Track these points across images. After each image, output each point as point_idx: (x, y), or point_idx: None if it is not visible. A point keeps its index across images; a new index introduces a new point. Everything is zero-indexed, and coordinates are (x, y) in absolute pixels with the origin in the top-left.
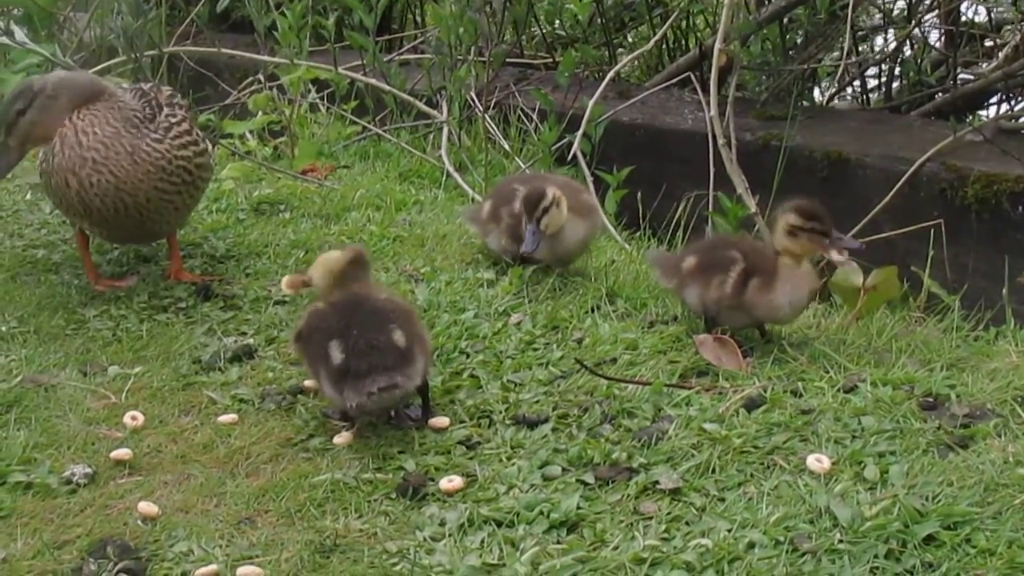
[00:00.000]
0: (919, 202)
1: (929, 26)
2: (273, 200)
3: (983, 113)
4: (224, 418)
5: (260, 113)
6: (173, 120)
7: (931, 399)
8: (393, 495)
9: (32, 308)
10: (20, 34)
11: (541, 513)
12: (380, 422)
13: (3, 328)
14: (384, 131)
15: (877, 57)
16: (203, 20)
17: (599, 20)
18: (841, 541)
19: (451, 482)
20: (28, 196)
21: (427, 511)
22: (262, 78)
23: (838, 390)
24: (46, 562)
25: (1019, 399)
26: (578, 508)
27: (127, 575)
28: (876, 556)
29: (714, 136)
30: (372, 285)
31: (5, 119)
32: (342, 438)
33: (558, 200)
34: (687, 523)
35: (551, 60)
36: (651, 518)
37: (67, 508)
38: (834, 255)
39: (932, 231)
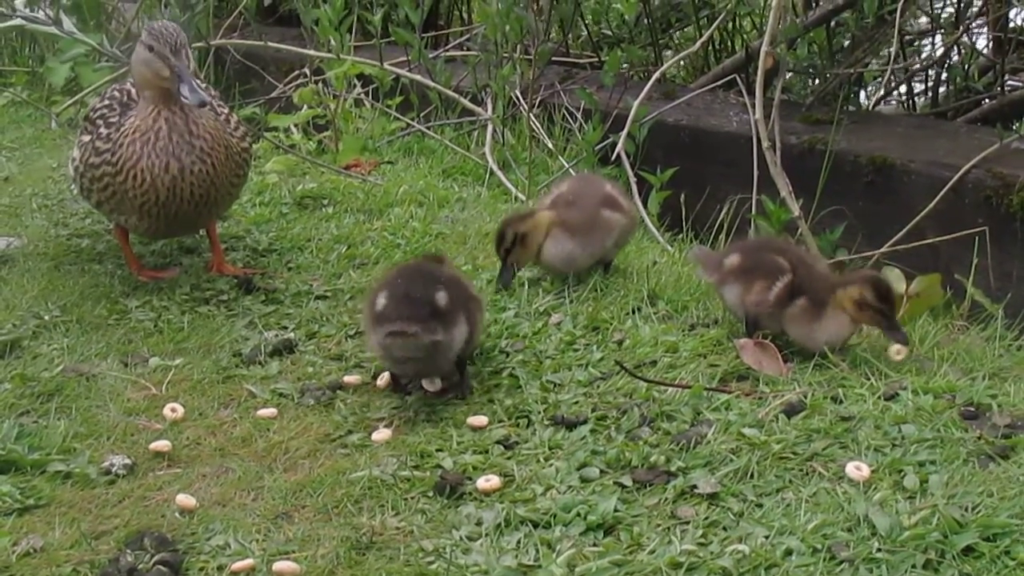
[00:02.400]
0: (964, 209)
1: (977, 32)
2: (316, 194)
3: None
4: (263, 412)
5: (305, 107)
6: (225, 111)
7: (973, 408)
8: (430, 493)
9: (75, 297)
10: (68, 23)
11: (578, 515)
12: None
13: (46, 317)
14: (428, 128)
15: (924, 62)
16: (251, 13)
17: (645, 20)
18: (879, 550)
19: (488, 481)
20: (74, 186)
21: (464, 510)
22: (308, 72)
23: (879, 397)
24: (83, 552)
25: None
26: (615, 511)
27: (164, 567)
28: (914, 566)
29: (759, 139)
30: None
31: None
32: (380, 435)
33: (521, 237)
34: (724, 528)
35: (596, 59)
36: (688, 523)
37: (105, 499)
38: (892, 350)
39: (976, 238)
